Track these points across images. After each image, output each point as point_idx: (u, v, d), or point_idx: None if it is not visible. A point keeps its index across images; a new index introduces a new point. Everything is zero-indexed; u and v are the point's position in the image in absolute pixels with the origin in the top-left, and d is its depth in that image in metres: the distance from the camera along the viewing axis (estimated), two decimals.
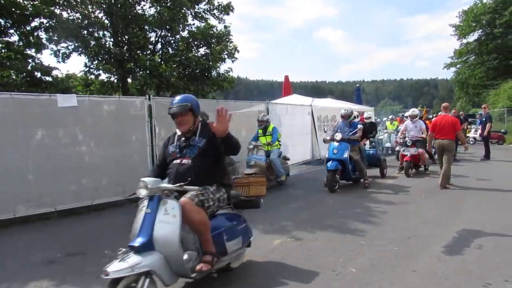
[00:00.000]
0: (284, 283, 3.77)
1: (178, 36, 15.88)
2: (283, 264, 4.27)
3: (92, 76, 15.31)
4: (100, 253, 4.78)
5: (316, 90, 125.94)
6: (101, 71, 15.08)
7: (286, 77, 19.80)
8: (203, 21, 16.12)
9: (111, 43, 14.58)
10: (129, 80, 15.37)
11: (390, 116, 19.55)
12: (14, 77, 12.38)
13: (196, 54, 16.21)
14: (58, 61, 13.91)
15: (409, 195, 7.95)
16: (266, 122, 9.29)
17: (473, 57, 38.04)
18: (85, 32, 13.54)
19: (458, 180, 9.53)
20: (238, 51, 16.35)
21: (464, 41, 37.55)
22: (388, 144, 16.52)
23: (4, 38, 12.14)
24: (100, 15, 14.17)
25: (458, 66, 39.69)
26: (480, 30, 35.55)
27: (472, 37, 36.76)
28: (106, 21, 14.22)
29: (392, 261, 4.27)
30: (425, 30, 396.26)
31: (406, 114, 18.47)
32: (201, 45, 16.13)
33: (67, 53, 13.91)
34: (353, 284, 3.72)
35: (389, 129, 17.25)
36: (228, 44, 16.15)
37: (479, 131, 16.14)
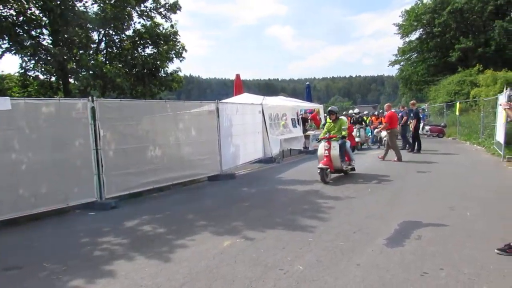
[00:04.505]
0: (230, 285, 3.75)
1: (123, 35, 15.34)
2: (232, 266, 4.25)
3: (30, 77, 14.41)
4: (39, 266, 4.54)
5: (269, 88, 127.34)
6: (39, 73, 14.26)
7: (237, 76, 19.80)
8: (149, 19, 15.69)
9: (49, 42, 13.81)
10: (72, 81, 14.65)
11: None
12: None
13: (143, 54, 15.77)
14: None
15: (355, 190, 8.20)
16: None
17: (415, 55, 40.16)
18: (20, 30, 12.70)
19: (400, 173, 10.01)
20: (186, 51, 16.13)
21: (407, 39, 39.62)
22: None
23: None
24: (37, 12, 13.37)
25: (401, 63, 41.70)
26: (421, 29, 37.58)
27: (414, 35, 38.88)
28: (44, 19, 13.44)
29: (337, 256, 4.38)
30: (371, 28, 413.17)
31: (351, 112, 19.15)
32: (148, 44, 15.71)
33: (0, 52, 12.99)
34: (300, 281, 3.77)
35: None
36: (176, 43, 15.85)
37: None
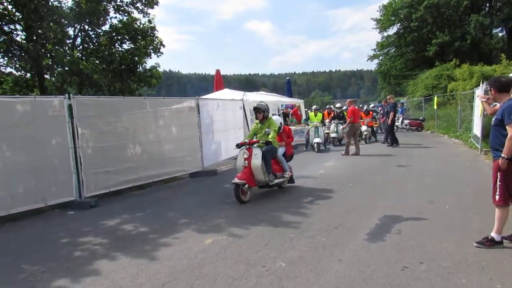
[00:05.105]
0: (212, 284, 3.72)
1: (99, 30, 15.00)
2: (214, 264, 4.21)
3: (4, 74, 13.97)
4: (16, 268, 4.42)
5: (249, 83, 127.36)
6: (13, 70, 13.83)
7: (218, 71, 19.68)
8: (126, 14, 15.38)
9: (23, 38, 13.40)
10: (48, 77, 14.27)
11: (314, 107, 18.18)
12: None
13: (120, 49, 15.48)
14: None
15: (336, 185, 8.23)
16: None
17: (393, 49, 40.66)
18: None
19: (380, 168, 10.13)
20: (163, 46, 15.95)
21: (385, 34, 40.05)
22: (317, 140, 14.60)
23: None
24: (9, 7, 12.92)
25: (380, 57, 42.15)
26: (399, 24, 38.06)
27: (392, 30, 39.36)
28: (17, 14, 13.01)
29: (319, 252, 4.40)
30: (349, 23, 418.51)
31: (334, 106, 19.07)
32: (125, 40, 15.42)
33: None
34: (282, 278, 3.77)
35: (313, 121, 15.29)
36: (154, 38, 15.62)
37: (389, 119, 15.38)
